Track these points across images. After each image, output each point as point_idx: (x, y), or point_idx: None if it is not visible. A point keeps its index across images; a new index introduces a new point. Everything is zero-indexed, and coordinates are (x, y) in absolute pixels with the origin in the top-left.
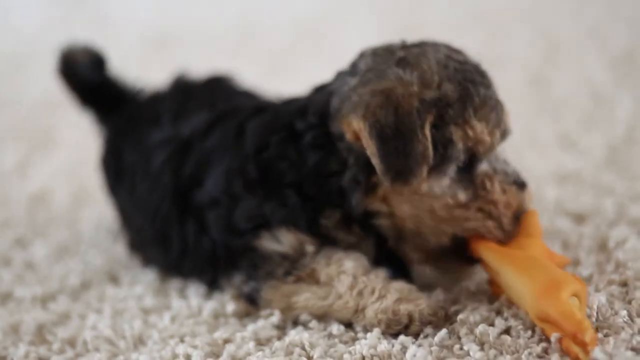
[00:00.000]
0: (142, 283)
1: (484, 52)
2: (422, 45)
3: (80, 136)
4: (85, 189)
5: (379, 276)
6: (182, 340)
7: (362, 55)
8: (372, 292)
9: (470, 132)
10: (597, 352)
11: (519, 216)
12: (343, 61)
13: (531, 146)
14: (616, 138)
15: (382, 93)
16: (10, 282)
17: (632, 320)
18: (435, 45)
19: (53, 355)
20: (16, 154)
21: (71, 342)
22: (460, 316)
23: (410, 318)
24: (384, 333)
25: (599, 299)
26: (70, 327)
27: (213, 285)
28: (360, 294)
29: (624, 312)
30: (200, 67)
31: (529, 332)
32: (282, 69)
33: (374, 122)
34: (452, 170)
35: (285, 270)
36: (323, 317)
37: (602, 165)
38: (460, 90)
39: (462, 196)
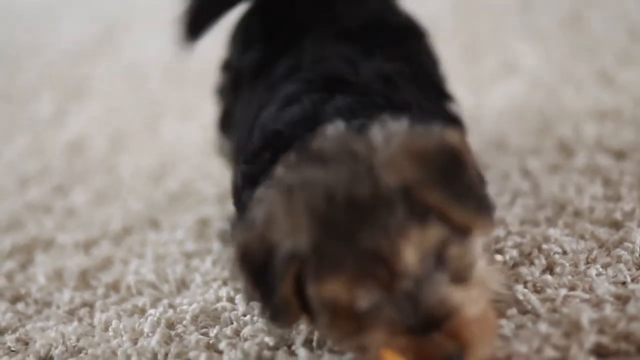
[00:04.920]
0: (182, 228)
1: None
2: (314, 165)
3: (115, 83)
4: (122, 135)
5: None
6: (225, 283)
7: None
8: None
9: (322, 293)
10: None
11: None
12: None
13: (568, 84)
14: None
15: (262, 226)
16: (52, 229)
17: None
18: (325, 168)
19: (97, 300)
20: (52, 103)
21: (115, 287)
22: None
23: None
24: None
25: None
26: (113, 272)
27: None
28: None
29: None
30: None
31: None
32: None
33: (246, 256)
34: (324, 319)
35: None
36: None
37: None
38: (315, 245)
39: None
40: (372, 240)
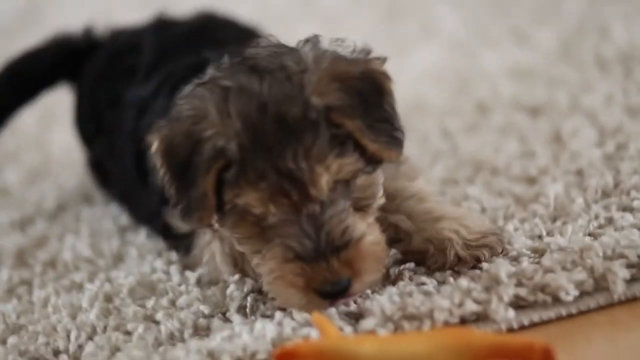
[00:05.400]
0: (116, 203)
1: None
2: (249, 74)
3: None
4: (53, 112)
5: None
6: (159, 255)
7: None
8: None
9: (237, 199)
10: (558, 238)
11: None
12: None
13: (485, 44)
14: (567, 31)
15: (190, 121)
16: None
17: (588, 206)
18: (260, 79)
19: (35, 277)
20: None
21: (52, 264)
22: None
23: None
24: None
25: (555, 189)
26: (49, 249)
27: None
28: None
29: (580, 200)
30: None
31: None
32: None
33: (169, 150)
34: (232, 219)
35: None
36: None
37: (555, 58)
38: (243, 151)
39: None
40: (294, 162)
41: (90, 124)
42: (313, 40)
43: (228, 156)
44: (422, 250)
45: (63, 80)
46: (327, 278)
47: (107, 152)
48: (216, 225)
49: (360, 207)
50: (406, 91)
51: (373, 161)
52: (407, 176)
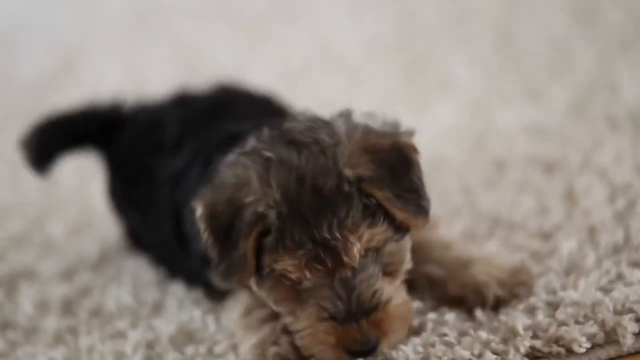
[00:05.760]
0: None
1: (450, 7)
2: (288, 146)
3: None
4: (91, 164)
5: None
6: (197, 305)
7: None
8: None
9: (275, 264)
10: (571, 293)
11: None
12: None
13: (500, 100)
14: (579, 87)
15: (233, 188)
16: (33, 259)
17: (599, 262)
18: (298, 152)
19: (81, 325)
20: (17, 136)
21: (96, 312)
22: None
23: None
24: None
25: (569, 245)
26: (93, 299)
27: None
28: None
29: (592, 255)
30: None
31: None
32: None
33: (212, 215)
34: (269, 282)
35: None
36: None
37: (567, 115)
38: (282, 219)
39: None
40: (329, 232)
41: (123, 200)
42: (346, 114)
43: (267, 222)
44: (459, 296)
45: (88, 148)
46: (357, 338)
47: (142, 225)
48: (255, 288)
49: (388, 272)
50: (425, 147)
51: (401, 229)
52: (429, 226)
